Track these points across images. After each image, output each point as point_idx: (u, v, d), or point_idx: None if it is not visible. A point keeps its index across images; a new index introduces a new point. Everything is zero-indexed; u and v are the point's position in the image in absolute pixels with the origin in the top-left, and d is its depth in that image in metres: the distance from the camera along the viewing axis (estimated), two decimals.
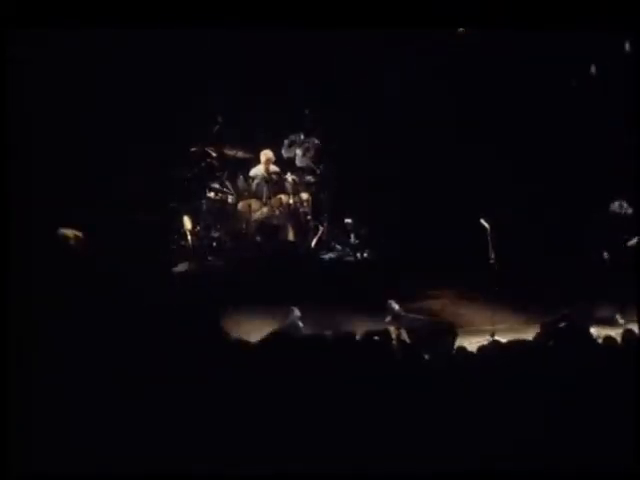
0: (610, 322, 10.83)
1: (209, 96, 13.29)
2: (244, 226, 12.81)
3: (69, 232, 10.39)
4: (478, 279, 10.88)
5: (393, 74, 13.94)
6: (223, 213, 12.82)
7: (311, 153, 13.33)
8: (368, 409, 5.62)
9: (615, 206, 11.06)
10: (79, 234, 10.62)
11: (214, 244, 12.80)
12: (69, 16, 10.61)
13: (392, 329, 9.36)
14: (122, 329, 6.72)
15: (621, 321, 10.89)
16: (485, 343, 8.70)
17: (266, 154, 12.91)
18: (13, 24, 10.12)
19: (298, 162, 13.39)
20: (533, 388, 5.88)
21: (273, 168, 13.00)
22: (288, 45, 13.40)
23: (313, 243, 12.87)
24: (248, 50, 13.51)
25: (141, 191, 13.00)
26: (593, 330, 8.75)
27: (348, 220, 13.25)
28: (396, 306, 10.06)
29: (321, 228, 13.00)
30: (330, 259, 12.83)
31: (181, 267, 12.01)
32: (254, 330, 9.92)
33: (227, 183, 12.94)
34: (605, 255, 10.93)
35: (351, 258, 12.87)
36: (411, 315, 10.22)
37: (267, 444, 5.31)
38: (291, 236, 12.85)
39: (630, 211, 11.02)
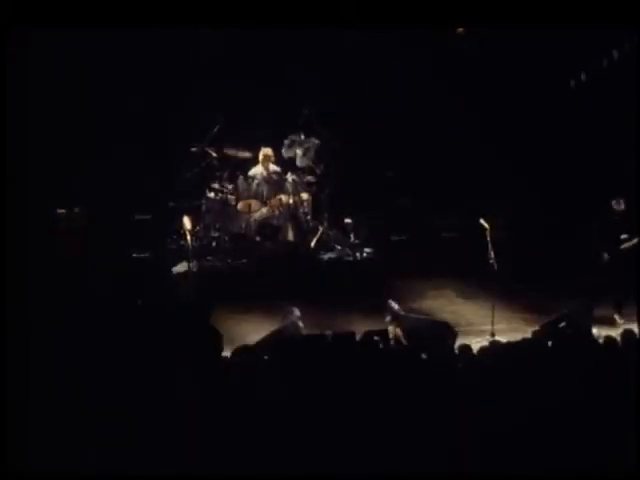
0: (610, 322, 10.83)
1: (209, 96, 13.28)
2: (244, 226, 12.80)
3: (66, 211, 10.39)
4: (478, 278, 10.87)
5: (393, 74, 13.94)
6: (223, 213, 12.81)
7: (311, 153, 13.32)
8: (368, 408, 5.62)
9: (615, 206, 11.03)
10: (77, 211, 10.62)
11: (214, 244, 12.79)
12: (70, 16, 10.62)
13: (390, 329, 9.36)
14: (121, 329, 6.73)
15: (621, 321, 10.88)
16: (485, 343, 8.73)
17: (264, 151, 12.89)
18: (13, 24, 10.13)
19: (298, 162, 13.38)
20: (533, 388, 5.88)
21: (273, 168, 12.99)
22: (288, 45, 13.41)
23: (313, 243, 12.86)
24: (248, 50, 13.51)
25: (141, 191, 13.00)
26: (593, 330, 8.76)
27: (348, 220, 13.25)
28: (396, 306, 10.04)
29: (321, 228, 12.99)
30: (330, 259, 12.83)
31: (181, 267, 11.99)
32: (254, 330, 9.94)
33: (227, 183, 12.93)
34: (605, 255, 10.91)
35: (351, 258, 12.86)
36: (411, 315, 10.21)
37: (266, 443, 5.31)
38: (291, 236, 12.84)
39: (630, 211, 10.99)
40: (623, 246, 10.86)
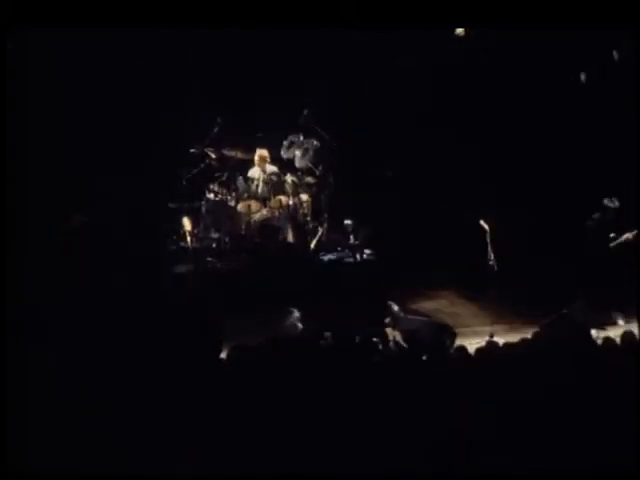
0: (609, 323, 10.82)
1: (209, 97, 13.29)
2: (244, 227, 12.81)
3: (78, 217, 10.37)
4: (478, 279, 10.87)
5: (393, 74, 13.94)
6: (223, 214, 12.81)
7: (310, 154, 13.33)
8: (367, 409, 5.62)
9: (614, 205, 11.03)
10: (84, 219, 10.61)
11: (214, 245, 12.79)
12: (70, 16, 10.62)
13: (390, 330, 9.37)
14: (122, 329, 6.73)
15: (621, 322, 10.88)
16: (484, 344, 8.72)
17: (259, 152, 12.91)
18: (13, 24, 10.14)
19: (297, 163, 13.39)
20: (532, 389, 5.88)
21: (270, 169, 13.00)
22: (288, 45, 13.41)
23: (313, 244, 12.86)
24: (247, 50, 13.52)
25: (141, 192, 13.00)
26: (592, 331, 8.75)
27: (348, 221, 13.25)
28: (395, 307, 10.05)
29: (320, 229, 13.00)
30: (329, 260, 12.83)
31: (181, 268, 11.99)
32: (253, 331, 9.93)
33: (227, 184, 12.94)
34: (605, 255, 10.91)
35: (350, 259, 12.86)
36: (410, 316, 10.21)
37: (266, 443, 5.32)
38: (291, 237, 12.85)
39: (629, 210, 10.99)
40: (612, 244, 10.85)
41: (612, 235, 10.89)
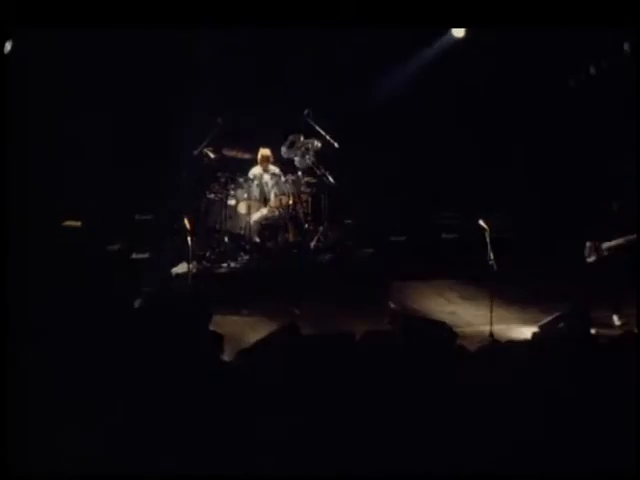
0: (609, 322, 10.83)
1: (209, 97, 13.30)
2: (244, 227, 12.81)
3: (72, 223, 10.37)
4: (477, 279, 10.88)
5: (394, 74, 13.96)
6: (223, 214, 12.81)
7: (311, 154, 13.33)
8: (367, 408, 5.63)
9: (614, 206, 11.04)
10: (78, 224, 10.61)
11: (214, 245, 12.79)
12: (71, 16, 10.63)
13: (390, 329, 9.36)
14: (122, 330, 6.73)
15: (619, 322, 10.88)
16: (484, 343, 8.73)
17: (262, 152, 12.92)
18: (13, 24, 10.15)
19: (298, 163, 13.39)
20: (532, 388, 5.89)
21: (272, 168, 13.01)
22: (288, 45, 13.42)
23: (313, 243, 12.86)
24: (248, 50, 13.53)
25: (141, 191, 13.01)
26: (592, 330, 8.77)
27: (348, 220, 13.25)
28: (395, 306, 10.06)
29: (321, 228, 13.00)
30: (330, 259, 12.83)
31: (180, 268, 11.99)
32: (253, 330, 9.94)
33: (227, 184, 12.93)
34: (604, 255, 10.91)
35: (350, 258, 12.86)
36: (410, 315, 10.22)
37: (267, 443, 5.32)
38: (291, 237, 12.85)
39: (629, 211, 10.99)
40: (606, 245, 10.85)
41: (625, 237, 10.87)
